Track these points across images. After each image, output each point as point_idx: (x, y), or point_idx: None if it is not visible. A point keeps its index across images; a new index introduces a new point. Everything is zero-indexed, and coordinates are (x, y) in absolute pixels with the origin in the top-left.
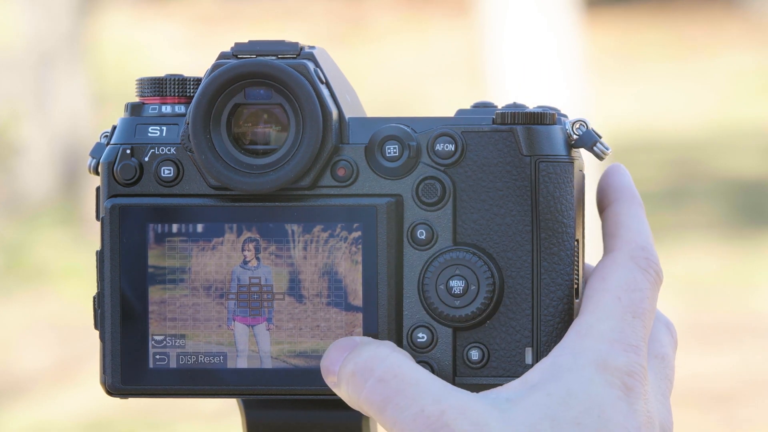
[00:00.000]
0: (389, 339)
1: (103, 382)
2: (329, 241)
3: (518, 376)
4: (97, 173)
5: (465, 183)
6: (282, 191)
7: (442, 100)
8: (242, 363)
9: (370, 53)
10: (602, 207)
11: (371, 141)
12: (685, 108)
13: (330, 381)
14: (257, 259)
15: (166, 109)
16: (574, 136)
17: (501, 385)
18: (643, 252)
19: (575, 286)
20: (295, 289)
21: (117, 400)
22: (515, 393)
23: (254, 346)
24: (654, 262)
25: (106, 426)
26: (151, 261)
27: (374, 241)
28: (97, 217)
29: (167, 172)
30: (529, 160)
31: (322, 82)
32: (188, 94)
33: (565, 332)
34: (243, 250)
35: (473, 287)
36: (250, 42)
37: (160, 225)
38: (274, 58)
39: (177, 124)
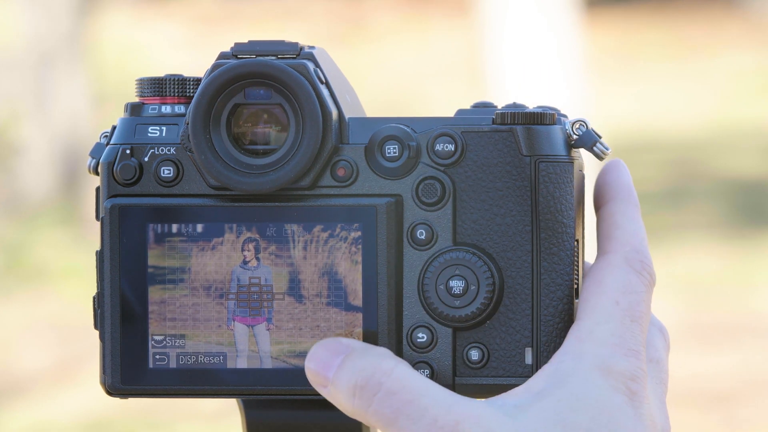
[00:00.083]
0: (389, 339)
1: (103, 382)
2: (329, 241)
3: (518, 376)
4: (97, 173)
5: (465, 183)
6: (282, 191)
7: (442, 100)
8: (242, 363)
9: (370, 53)
10: (598, 204)
11: (371, 141)
12: (685, 108)
13: (318, 383)
14: (257, 259)
15: (166, 109)
16: (574, 136)
17: (501, 385)
18: (638, 255)
19: (575, 286)
20: (295, 289)
21: (117, 400)
22: (522, 400)
23: (254, 346)
24: (648, 264)
25: (106, 426)
26: (151, 261)
27: (374, 241)
28: (97, 217)
29: (167, 172)
30: (529, 160)
31: (322, 82)
32: (188, 94)
33: (565, 332)
34: (243, 250)
35: (473, 287)
36: (250, 42)
37: (160, 225)
38: (273, 58)
39: (177, 124)
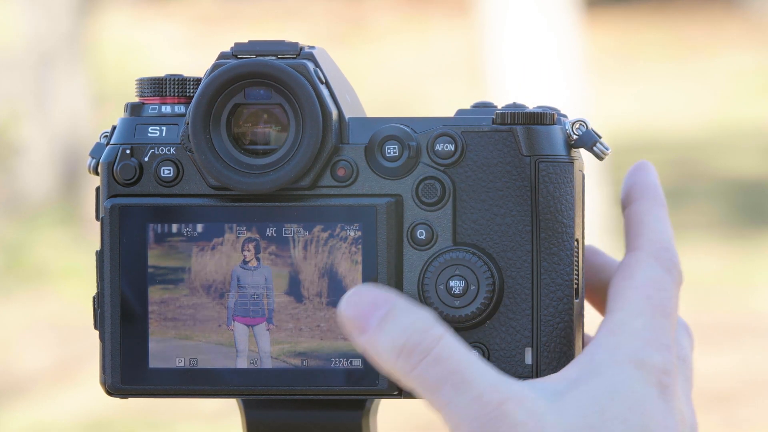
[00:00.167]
0: None
1: (103, 382)
2: (329, 241)
3: (518, 376)
4: (97, 173)
5: (465, 183)
6: (282, 191)
7: (442, 100)
8: (242, 363)
9: (370, 53)
10: (626, 204)
11: (371, 141)
12: (685, 108)
13: (352, 330)
14: (257, 259)
15: (166, 109)
16: (574, 136)
17: None
18: (667, 253)
19: (575, 286)
20: (295, 289)
21: (117, 400)
22: (560, 386)
23: (254, 346)
24: (677, 263)
25: (106, 426)
26: (151, 261)
27: (374, 241)
28: (97, 217)
29: (167, 172)
30: (529, 160)
31: (322, 82)
32: (188, 94)
33: (565, 332)
34: (243, 250)
35: (473, 287)
36: (250, 42)
37: (160, 225)
38: (274, 58)
39: (177, 124)
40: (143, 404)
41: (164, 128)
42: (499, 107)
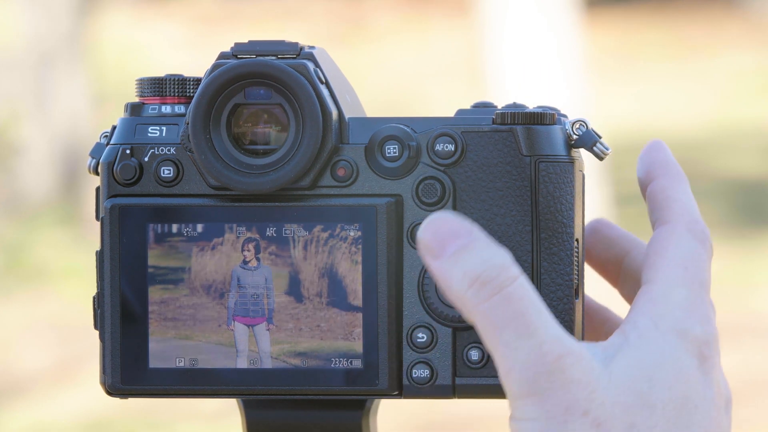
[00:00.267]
0: (389, 339)
1: (103, 382)
2: (329, 241)
3: None
4: (97, 173)
5: (465, 183)
6: (282, 191)
7: (442, 100)
8: (242, 363)
9: (370, 53)
10: (646, 182)
11: (371, 141)
12: (685, 108)
13: (428, 253)
14: (257, 259)
15: (166, 109)
16: (574, 136)
17: (501, 386)
18: (699, 225)
19: (575, 286)
20: (295, 289)
21: (117, 400)
22: (610, 351)
23: (254, 346)
24: (708, 236)
25: (106, 426)
26: (151, 261)
27: (374, 241)
28: (97, 217)
29: (167, 172)
30: (529, 160)
31: (322, 82)
32: (188, 94)
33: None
34: (243, 250)
35: None
36: (250, 42)
37: (160, 225)
38: (274, 58)
39: (177, 124)
40: (143, 404)
41: (164, 128)
42: (499, 107)
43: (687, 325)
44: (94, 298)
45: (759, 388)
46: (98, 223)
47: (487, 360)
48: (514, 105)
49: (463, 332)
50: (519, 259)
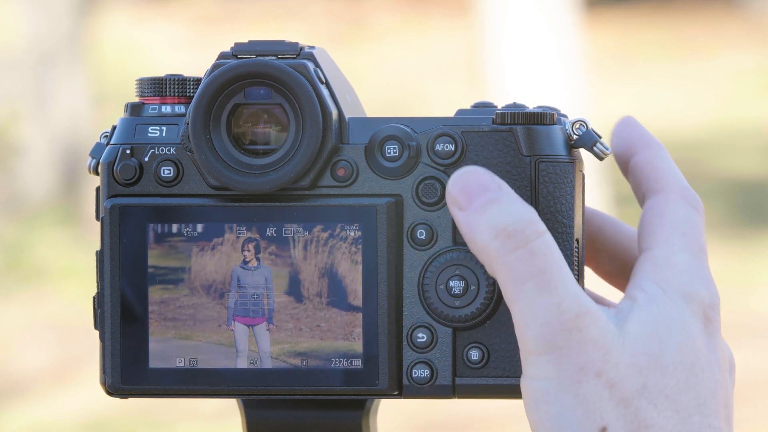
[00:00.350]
0: (389, 339)
1: (103, 382)
2: (329, 241)
3: (518, 376)
4: (97, 173)
5: None
6: (282, 191)
7: (442, 100)
8: (242, 363)
9: (370, 53)
10: (627, 157)
11: (371, 141)
12: (685, 108)
13: (455, 204)
14: (257, 259)
15: (166, 109)
16: (574, 136)
17: (501, 385)
18: (690, 191)
19: None
20: (295, 289)
21: (117, 400)
22: (622, 313)
23: (254, 346)
24: (700, 201)
25: (106, 426)
26: (151, 261)
27: (374, 241)
28: (97, 217)
29: (167, 172)
30: (529, 160)
31: (322, 82)
32: (188, 94)
33: None
34: (243, 250)
35: (473, 287)
36: (250, 42)
37: (160, 225)
38: (274, 58)
39: (177, 124)
40: (143, 404)
41: (164, 128)
42: (499, 107)
43: (693, 289)
44: (94, 298)
45: (759, 388)
46: (98, 223)
47: (487, 360)
48: (514, 105)
49: (463, 332)
50: None
